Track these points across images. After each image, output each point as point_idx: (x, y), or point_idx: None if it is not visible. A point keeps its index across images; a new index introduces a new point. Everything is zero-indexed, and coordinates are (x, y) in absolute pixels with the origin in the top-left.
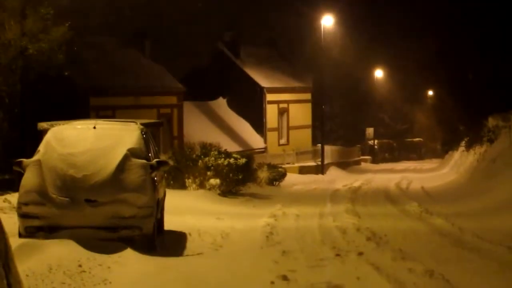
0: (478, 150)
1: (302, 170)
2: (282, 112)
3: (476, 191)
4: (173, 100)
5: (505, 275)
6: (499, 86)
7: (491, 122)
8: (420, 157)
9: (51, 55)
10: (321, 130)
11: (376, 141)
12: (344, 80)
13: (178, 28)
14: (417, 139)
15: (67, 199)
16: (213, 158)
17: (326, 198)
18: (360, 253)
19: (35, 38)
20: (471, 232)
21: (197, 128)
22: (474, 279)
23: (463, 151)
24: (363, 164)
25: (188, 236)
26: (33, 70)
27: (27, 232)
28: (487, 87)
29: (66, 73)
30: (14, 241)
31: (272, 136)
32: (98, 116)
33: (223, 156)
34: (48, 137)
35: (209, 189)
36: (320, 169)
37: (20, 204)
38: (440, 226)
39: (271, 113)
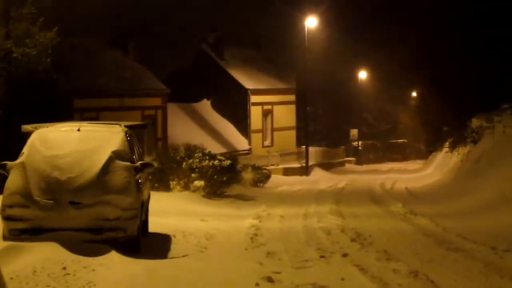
0: (462, 150)
1: (287, 172)
2: (266, 114)
3: (460, 191)
4: (157, 101)
5: (489, 275)
6: (483, 87)
7: (475, 122)
8: (404, 158)
9: (37, 59)
10: (305, 132)
11: (360, 142)
12: (328, 81)
13: (162, 30)
14: (401, 140)
15: (51, 201)
16: (197, 160)
17: (311, 199)
18: (345, 254)
19: (21, 42)
20: (455, 233)
21: (182, 130)
22: (459, 279)
23: (447, 151)
24: (347, 165)
25: (172, 238)
26: (18, 74)
27: (11, 235)
28: (470, 88)
29: (54, 76)
30: None
31: (256, 137)
32: (82, 118)
33: (207, 157)
34: (32, 139)
35: (194, 191)
36: (305, 171)
37: (4, 206)
38: (425, 227)
39: (255, 114)
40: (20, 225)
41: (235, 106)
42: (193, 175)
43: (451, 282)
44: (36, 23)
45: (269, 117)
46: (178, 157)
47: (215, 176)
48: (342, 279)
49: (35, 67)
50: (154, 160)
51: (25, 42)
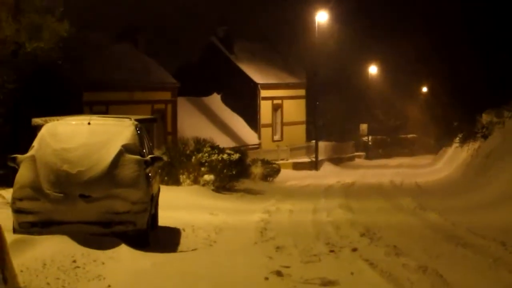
0: (472, 145)
1: (296, 166)
2: (276, 108)
3: (470, 186)
4: (167, 95)
5: (498, 270)
6: (493, 82)
7: (485, 118)
8: (414, 153)
9: (49, 52)
10: (315, 126)
11: (370, 137)
12: (338, 76)
13: (172, 23)
14: (411, 135)
15: (61, 194)
16: (206, 154)
17: (320, 194)
18: (354, 249)
19: (33, 35)
20: (465, 228)
21: (191, 124)
22: (468, 274)
23: (456, 147)
24: (357, 160)
25: (182, 231)
26: (29, 67)
27: (22, 228)
28: (481, 83)
29: (64, 68)
30: (9, 237)
31: (266, 132)
32: (92, 112)
33: (216, 151)
34: (42, 132)
35: (203, 185)
36: (314, 165)
37: (15, 199)
38: (434, 222)
39: (265, 109)
40: (30, 218)
41: (245, 101)
42: (202, 169)
43: (460, 277)
44: (55, 14)
45: (279, 112)
46: (188, 151)
47: (225, 170)
48: (352, 273)
49: (46, 60)
50: (163, 154)
51: (40, 36)
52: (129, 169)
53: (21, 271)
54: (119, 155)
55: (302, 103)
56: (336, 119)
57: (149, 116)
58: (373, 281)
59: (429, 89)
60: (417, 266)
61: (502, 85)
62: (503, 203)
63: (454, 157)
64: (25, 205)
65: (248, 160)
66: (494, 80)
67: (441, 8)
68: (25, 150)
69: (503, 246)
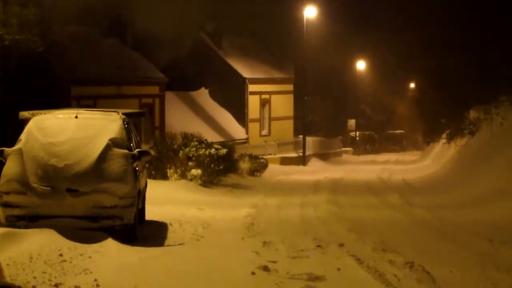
0: (459, 142)
1: (284, 161)
2: (264, 103)
3: (457, 183)
4: (155, 90)
5: (485, 267)
6: (481, 79)
7: (473, 114)
8: (401, 149)
9: (26, 41)
10: (303, 121)
11: (357, 133)
12: (326, 71)
13: (160, 17)
14: (399, 131)
15: (48, 188)
16: (194, 149)
17: (308, 189)
18: (341, 244)
19: (8, 24)
20: (452, 224)
21: (179, 119)
22: (454, 270)
23: (444, 143)
24: (344, 156)
25: (169, 226)
26: (12, 59)
27: (8, 221)
28: (469, 80)
29: (40, 49)
30: None
31: (254, 127)
32: (79, 106)
33: (203, 146)
34: (29, 126)
35: (191, 180)
36: (302, 160)
37: (1, 193)
38: (421, 218)
39: (253, 104)
40: (17, 212)
41: (233, 95)
42: (190, 163)
43: (446, 274)
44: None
45: (266, 107)
46: (175, 146)
47: (212, 165)
48: (338, 269)
49: (26, 50)
50: (151, 148)
51: (12, 22)
52: (116, 163)
53: (8, 264)
54: (107, 149)
55: (290, 98)
56: (324, 115)
57: (136, 110)
58: (360, 276)
59: (417, 85)
60: (404, 262)
61: (490, 82)
62: (491, 199)
63: (442, 154)
64: (11, 198)
65: (236, 155)
66: (482, 77)
67: (429, 4)
68: (12, 143)
69: (490, 242)
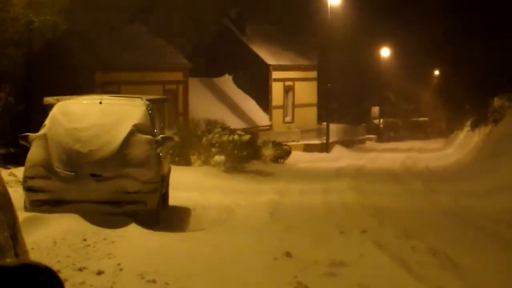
0: (483, 130)
1: (307, 148)
2: (288, 90)
3: (481, 170)
4: (178, 76)
5: (508, 254)
6: (506, 66)
7: (497, 102)
8: (425, 137)
9: (55, 24)
10: (326, 108)
11: (381, 120)
12: (350, 58)
13: (183, 3)
14: (423, 118)
15: (72, 173)
16: (217, 135)
17: (331, 176)
18: (364, 231)
19: (39, 6)
20: (475, 211)
21: (203, 105)
22: (477, 257)
23: (468, 131)
24: (368, 143)
25: (192, 211)
26: (38, 42)
27: (33, 206)
28: (493, 67)
29: (63, 28)
30: (20, 215)
31: (277, 113)
32: (104, 92)
33: (227, 132)
34: (54, 111)
35: (214, 166)
36: (325, 147)
37: (26, 178)
38: (444, 205)
39: (276, 90)
40: (41, 197)
41: (256, 82)
42: (213, 149)
43: (469, 261)
44: None
45: (290, 94)
46: (199, 132)
47: (235, 151)
48: (361, 255)
49: (53, 34)
50: (175, 134)
51: (42, 4)
52: (140, 149)
53: (32, 248)
54: (130, 134)
55: (313, 85)
56: (348, 102)
57: (160, 96)
58: (382, 263)
59: (441, 72)
60: (426, 248)
61: None
62: None
63: (466, 141)
64: (36, 183)
65: (259, 142)
66: (506, 64)
67: None
68: (37, 129)
69: None
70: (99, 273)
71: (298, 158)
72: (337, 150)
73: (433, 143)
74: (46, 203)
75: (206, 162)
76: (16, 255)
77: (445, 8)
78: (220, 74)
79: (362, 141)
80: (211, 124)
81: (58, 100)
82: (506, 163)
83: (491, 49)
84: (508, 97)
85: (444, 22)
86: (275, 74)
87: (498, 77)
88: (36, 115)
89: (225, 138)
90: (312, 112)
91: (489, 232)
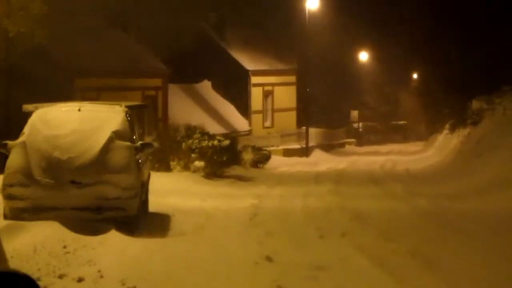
0: (462, 132)
1: (287, 153)
2: (267, 95)
3: (460, 173)
4: (158, 82)
5: (488, 255)
6: (484, 69)
7: (475, 104)
8: (404, 140)
9: (32, 32)
10: (306, 113)
11: (360, 124)
12: (329, 62)
13: (162, 9)
14: (402, 121)
15: (52, 180)
16: (197, 141)
17: (310, 180)
18: (344, 234)
19: (14, 17)
20: (454, 213)
21: (182, 111)
22: (457, 259)
23: (447, 133)
24: (347, 147)
25: (172, 217)
26: (15, 51)
27: (12, 213)
28: (471, 70)
29: (44, 42)
30: (0, 222)
31: (257, 118)
32: (83, 98)
33: (206, 138)
34: (33, 119)
35: (194, 171)
36: (305, 152)
37: (5, 185)
38: (424, 207)
39: (256, 95)
40: (21, 204)
41: (236, 87)
42: (193, 155)
43: (449, 262)
44: None
45: (269, 98)
46: (178, 138)
47: (215, 157)
48: (341, 259)
49: (30, 41)
50: (154, 140)
51: (19, 16)
52: (119, 155)
53: (12, 256)
54: (110, 141)
55: (293, 89)
56: (327, 106)
57: (139, 103)
58: (362, 266)
59: (420, 76)
60: (406, 251)
61: (492, 72)
62: (494, 189)
63: (445, 144)
64: (16, 191)
65: (239, 147)
66: (484, 67)
67: None
68: (16, 136)
69: (493, 232)
70: (80, 280)
71: (278, 162)
72: (317, 154)
73: (413, 146)
74: (25, 210)
75: (186, 168)
76: None
77: (424, 11)
78: (199, 79)
79: (342, 145)
80: (190, 130)
81: (37, 108)
82: (485, 165)
83: (469, 52)
84: (486, 100)
85: (423, 25)
86: (254, 79)
87: (476, 79)
88: (15, 123)
89: (204, 143)
90: (292, 117)
91: (469, 233)
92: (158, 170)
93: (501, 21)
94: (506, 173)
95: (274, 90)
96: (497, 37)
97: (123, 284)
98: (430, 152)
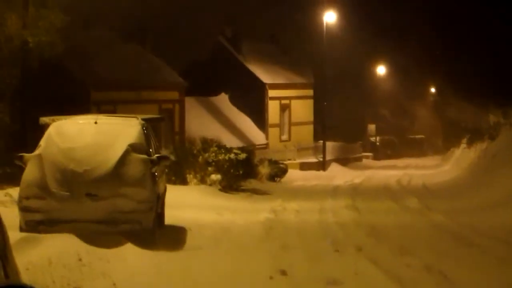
0: (480, 147)
1: (303, 166)
2: (284, 108)
3: (476, 187)
4: (175, 95)
5: (503, 270)
6: (501, 83)
7: (492, 118)
8: (422, 154)
9: (50, 44)
10: (323, 126)
11: (377, 138)
12: (346, 76)
13: (179, 22)
14: (419, 135)
15: (67, 193)
16: (213, 154)
17: (327, 194)
18: (359, 249)
19: (35, 27)
20: (470, 228)
21: (199, 124)
22: (472, 274)
23: (464, 148)
24: (364, 161)
25: (188, 231)
26: (34, 62)
27: (28, 226)
28: (489, 84)
29: (69, 64)
30: (15, 235)
31: (273, 132)
32: (100, 111)
33: (223, 151)
34: (49, 131)
35: (210, 185)
36: (321, 165)
37: (21, 198)
38: (440, 222)
39: (273, 109)
40: (37, 217)
41: (252, 101)
42: (209, 168)
43: (464, 277)
44: (47, 4)
45: (286, 112)
46: (195, 151)
47: (231, 170)
48: (356, 273)
49: (49, 53)
50: (171, 154)
51: (38, 26)
52: (135, 168)
53: (27, 269)
54: (126, 154)
55: (309, 103)
56: (344, 120)
57: (156, 116)
58: (377, 280)
59: (437, 89)
60: (421, 265)
61: (510, 86)
62: (509, 204)
63: (462, 158)
64: (31, 203)
65: (256, 160)
66: (502, 81)
67: (450, 10)
68: (32, 148)
69: (508, 246)
70: None
71: (294, 176)
72: (334, 168)
73: (430, 160)
74: (41, 223)
75: (202, 181)
76: (6, 275)
77: (442, 26)
78: (216, 92)
79: (359, 159)
80: (207, 143)
81: (53, 120)
82: (502, 179)
83: (486, 66)
84: (503, 113)
85: (440, 39)
86: (271, 93)
87: (494, 93)
88: (32, 134)
89: (221, 156)
90: (309, 130)
91: (484, 248)
92: (174, 183)
93: None
94: None
95: (291, 103)
96: None
97: None
98: (447, 167)
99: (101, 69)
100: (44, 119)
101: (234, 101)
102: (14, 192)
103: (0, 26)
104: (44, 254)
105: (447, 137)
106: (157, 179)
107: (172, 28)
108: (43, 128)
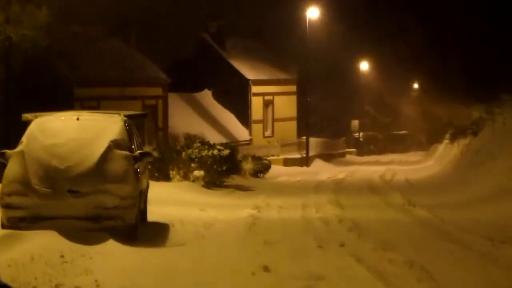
0: (462, 142)
1: (287, 162)
2: (267, 104)
3: (460, 183)
4: (158, 91)
5: (485, 266)
6: (483, 78)
7: (475, 114)
8: (405, 150)
9: (34, 40)
10: (306, 122)
11: (361, 133)
12: (329, 72)
13: (163, 18)
14: (403, 131)
15: (50, 189)
16: (196, 150)
17: (310, 190)
18: (342, 244)
19: (18, 22)
20: (453, 224)
21: (182, 120)
22: (455, 270)
23: (447, 143)
24: (348, 156)
25: (171, 227)
26: (17, 58)
27: (10, 223)
28: (471, 79)
29: (54, 61)
30: None
31: (257, 128)
32: (83, 107)
33: (206, 147)
34: (31, 128)
35: (193, 181)
36: (305, 161)
37: (3, 194)
38: (422, 217)
39: (256, 105)
40: (19, 213)
41: (236, 97)
42: (192, 164)
43: (447, 273)
44: (32, 1)
45: (270, 108)
46: (178, 147)
47: (215, 166)
48: (339, 268)
49: (33, 50)
50: (154, 150)
51: (22, 21)
52: (117, 165)
53: (9, 265)
54: (108, 150)
55: (293, 99)
56: (327, 116)
57: (139, 112)
58: (360, 276)
59: (420, 85)
60: (404, 261)
61: (492, 82)
62: (492, 199)
63: (445, 154)
64: (13, 200)
65: (239, 156)
66: (484, 76)
67: (433, 6)
68: (15, 145)
69: (491, 242)
70: None
71: (278, 172)
72: (317, 164)
73: (413, 156)
74: (23, 219)
75: (185, 177)
76: None
77: (425, 22)
78: (200, 89)
79: (342, 155)
80: (190, 139)
81: (36, 116)
82: (484, 175)
83: (468, 63)
84: (486, 109)
85: (423, 35)
86: (255, 89)
87: (476, 89)
88: (14, 131)
89: (204, 153)
90: (292, 126)
91: (467, 243)
92: (157, 179)
93: (501, 31)
94: (505, 183)
95: (274, 99)
96: (496, 46)
97: None
98: (430, 162)
99: (84, 65)
100: (26, 115)
101: (217, 97)
102: None
103: None
104: (26, 251)
105: (431, 133)
106: (139, 175)
107: (156, 24)
108: (26, 125)
